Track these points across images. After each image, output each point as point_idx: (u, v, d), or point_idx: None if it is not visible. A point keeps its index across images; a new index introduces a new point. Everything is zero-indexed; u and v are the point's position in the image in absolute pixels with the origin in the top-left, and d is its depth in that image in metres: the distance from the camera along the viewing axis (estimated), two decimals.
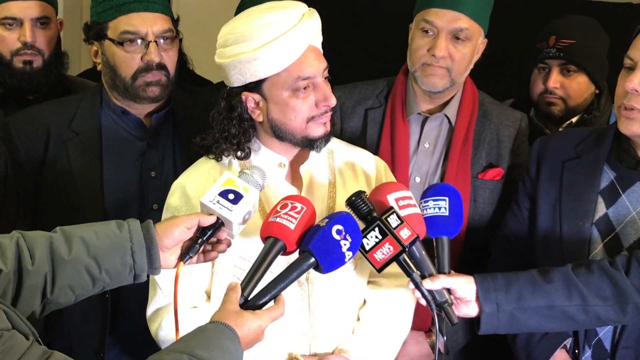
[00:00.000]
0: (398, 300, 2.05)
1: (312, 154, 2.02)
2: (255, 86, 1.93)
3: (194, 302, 1.97)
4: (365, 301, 2.08)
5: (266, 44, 1.86)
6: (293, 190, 1.99)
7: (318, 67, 1.92)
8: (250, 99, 1.95)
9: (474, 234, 2.38)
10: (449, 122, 2.43)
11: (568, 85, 2.67)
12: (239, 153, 1.99)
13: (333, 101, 1.93)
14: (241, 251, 1.89)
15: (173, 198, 2.00)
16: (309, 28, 1.90)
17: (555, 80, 2.66)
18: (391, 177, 2.15)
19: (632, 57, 1.94)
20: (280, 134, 1.96)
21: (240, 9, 2.78)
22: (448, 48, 2.29)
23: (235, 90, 1.96)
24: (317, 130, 1.95)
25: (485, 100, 2.51)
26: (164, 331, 1.95)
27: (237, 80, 1.93)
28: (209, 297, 2.00)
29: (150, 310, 2.00)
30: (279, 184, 2.00)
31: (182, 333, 1.79)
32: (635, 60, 1.93)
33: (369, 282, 2.09)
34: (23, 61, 2.54)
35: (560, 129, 2.72)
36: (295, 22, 1.88)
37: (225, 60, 1.91)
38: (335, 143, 2.10)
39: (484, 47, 2.41)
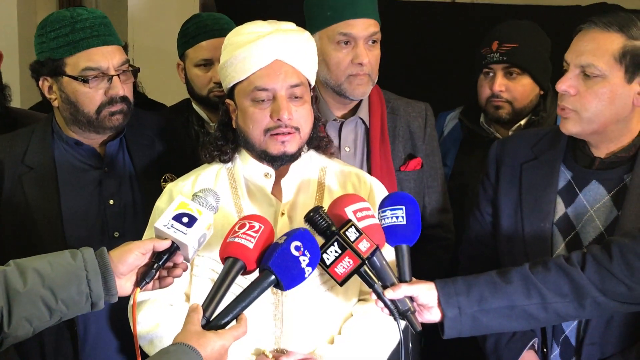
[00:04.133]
0: (385, 319, 2.00)
1: (295, 168, 2.02)
2: (229, 93, 2.00)
3: (171, 300, 1.98)
4: (352, 314, 2.05)
5: (235, 51, 1.92)
6: (272, 202, 2.00)
7: (283, 82, 1.92)
8: (230, 106, 2.01)
9: None
10: (364, 123, 2.51)
11: (513, 88, 2.71)
12: (221, 157, 2.04)
13: (285, 116, 1.91)
14: (217, 255, 1.86)
15: (161, 201, 2.05)
16: (279, 42, 1.92)
17: (500, 83, 2.71)
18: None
19: (566, 59, 2.00)
20: (245, 144, 2.00)
21: (182, 34, 2.83)
22: (368, 54, 2.37)
23: (224, 98, 2.03)
24: (274, 147, 1.95)
25: (390, 97, 2.59)
26: (140, 325, 1.94)
27: (224, 86, 2.02)
28: (188, 298, 2.00)
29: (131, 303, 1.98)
30: (263, 194, 2.02)
31: (160, 328, 1.87)
32: (568, 62, 1.98)
33: (359, 300, 2.07)
34: None
35: (510, 132, 2.75)
36: (264, 33, 1.92)
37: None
38: (330, 161, 2.11)
39: None
